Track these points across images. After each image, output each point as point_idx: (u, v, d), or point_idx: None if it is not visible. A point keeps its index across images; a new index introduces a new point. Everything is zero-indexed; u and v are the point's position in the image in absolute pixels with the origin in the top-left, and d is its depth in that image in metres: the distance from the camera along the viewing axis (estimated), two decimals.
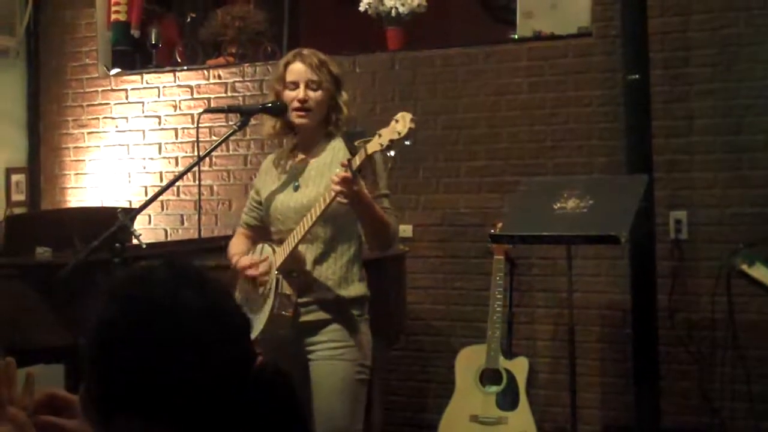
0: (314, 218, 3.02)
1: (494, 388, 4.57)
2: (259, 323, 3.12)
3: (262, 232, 3.37)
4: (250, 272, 3.19)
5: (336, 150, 3.20)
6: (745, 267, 3.95)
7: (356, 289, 3.20)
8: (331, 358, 3.14)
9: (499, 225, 4.29)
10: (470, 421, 4.55)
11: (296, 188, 3.21)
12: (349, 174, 2.87)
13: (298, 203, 3.15)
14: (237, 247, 3.39)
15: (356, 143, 2.93)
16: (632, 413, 4.67)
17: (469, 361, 4.69)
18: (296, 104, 3.19)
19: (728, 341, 4.51)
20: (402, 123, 2.83)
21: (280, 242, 3.19)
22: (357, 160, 2.88)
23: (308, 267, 3.16)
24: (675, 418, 4.68)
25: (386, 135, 2.84)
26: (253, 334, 3.14)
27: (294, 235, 3.10)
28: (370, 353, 3.23)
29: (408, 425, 5.14)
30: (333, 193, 2.93)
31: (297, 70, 3.22)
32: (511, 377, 4.55)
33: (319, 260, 3.16)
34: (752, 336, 4.55)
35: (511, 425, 4.47)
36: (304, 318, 3.16)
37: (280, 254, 3.13)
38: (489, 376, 4.60)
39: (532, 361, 4.69)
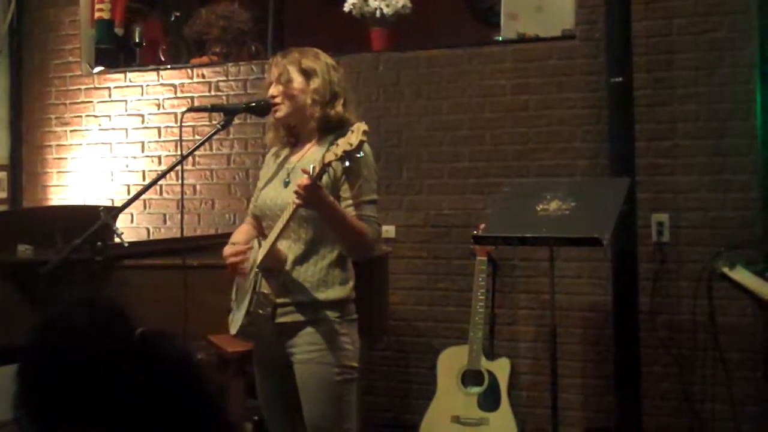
0: (284, 222, 3.00)
1: (476, 389, 4.58)
2: (238, 320, 3.11)
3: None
4: (231, 260, 3.17)
5: (322, 149, 3.13)
6: (726, 270, 3.97)
7: (335, 292, 3.14)
8: (309, 362, 3.11)
9: (482, 226, 4.29)
10: (452, 421, 4.55)
11: (286, 184, 3.17)
12: (307, 181, 2.85)
13: (284, 200, 3.09)
14: (236, 235, 3.35)
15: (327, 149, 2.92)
16: (613, 415, 4.69)
17: (451, 361, 4.69)
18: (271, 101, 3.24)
19: (709, 343, 4.53)
20: (355, 135, 2.79)
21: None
22: (316, 168, 2.84)
23: (288, 267, 3.12)
24: (656, 420, 4.70)
25: (341, 145, 2.80)
26: (233, 330, 3.16)
27: (271, 234, 3.08)
28: (356, 354, 3.18)
29: (389, 426, 5.14)
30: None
31: (271, 67, 3.26)
32: (492, 378, 4.56)
33: (300, 261, 3.13)
34: (733, 338, 4.57)
35: (492, 426, 4.48)
36: (280, 319, 3.12)
37: (262, 251, 3.10)
38: (471, 377, 4.61)
39: (514, 362, 4.70)
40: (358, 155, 2.83)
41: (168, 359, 1.42)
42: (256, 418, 4.59)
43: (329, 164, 2.85)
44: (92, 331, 1.41)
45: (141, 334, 1.42)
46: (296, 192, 2.90)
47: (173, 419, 1.38)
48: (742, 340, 4.58)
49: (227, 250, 3.22)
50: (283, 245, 3.12)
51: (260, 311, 3.07)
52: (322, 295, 3.12)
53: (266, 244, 3.09)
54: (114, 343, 1.40)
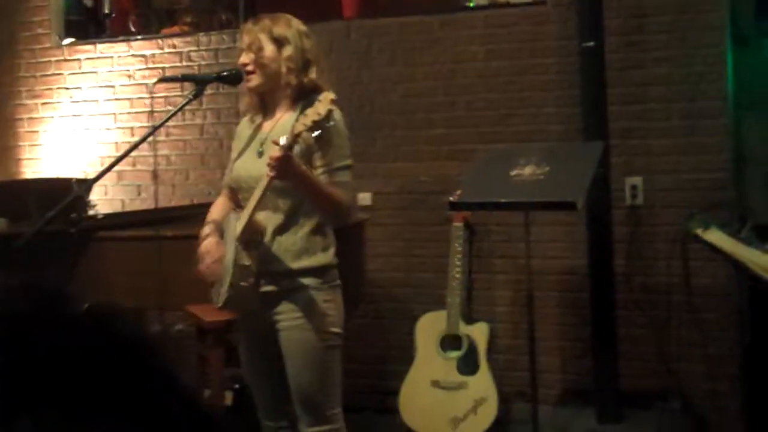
0: (259, 194, 3.00)
1: (455, 354, 4.60)
2: (222, 293, 3.12)
3: None
4: (200, 267, 3.20)
5: (294, 116, 3.11)
6: (699, 231, 3.99)
7: (318, 259, 3.16)
8: (294, 329, 3.14)
9: (458, 192, 4.30)
10: (431, 386, 4.58)
11: (260, 154, 3.17)
12: (278, 153, 2.86)
13: (258, 171, 3.08)
14: (215, 211, 3.34)
15: (296, 118, 2.93)
16: (591, 377, 4.74)
17: (429, 327, 4.71)
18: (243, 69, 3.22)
19: (684, 305, 4.58)
20: (323, 104, 2.82)
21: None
22: (287, 140, 2.86)
23: (269, 238, 3.13)
24: (633, 382, 4.74)
25: (310, 115, 2.83)
26: (218, 303, 3.16)
27: (248, 206, 3.08)
28: (340, 320, 3.21)
29: (369, 392, 5.16)
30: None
31: (242, 34, 3.25)
32: (471, 342, 4.59)
33: (280, 231, 3.13)
34: (707, 299, 4.62)
35: (471, 390, 4.51)
36: (264, 289, 3.14)
37: (240, 224, 3.10)
38: (449, 341, 4.63)
39: (492, 327, 4.72)
40: (328, 124, 2.84)
41: (116, 334, 1.39)
42: (236, 386, 4.61)
43: (299, 135, 2.87)
44: (34, 312, 1.38)
45: (87, 311, 1.39)
46: (269, 164, 2.91)
47: (127, 395, 1.36)
48: (717, 300, 4.63)
49: (200, 248, 3.22)
50: (261, 216, 3.12)
51: (243, 283, 3.08)
52: (304, 262, 3.14)
53: (244, 217, 3.09)
54: (58, 322, 1.37)
